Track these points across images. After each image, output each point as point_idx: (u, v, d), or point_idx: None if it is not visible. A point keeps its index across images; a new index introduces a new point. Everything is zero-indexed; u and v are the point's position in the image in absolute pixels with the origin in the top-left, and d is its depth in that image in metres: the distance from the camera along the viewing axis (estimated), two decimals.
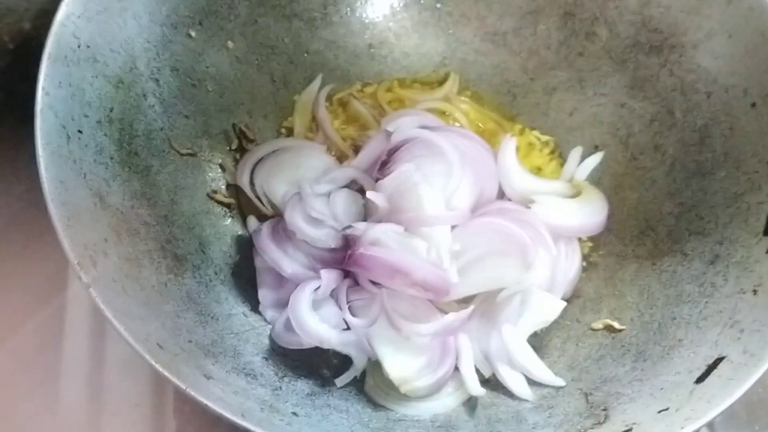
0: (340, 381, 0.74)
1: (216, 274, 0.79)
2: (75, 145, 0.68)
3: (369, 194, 0.79)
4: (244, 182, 0.86)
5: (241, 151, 0.88)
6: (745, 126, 0.79)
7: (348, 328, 0.75)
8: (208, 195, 0.84)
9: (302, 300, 0.74)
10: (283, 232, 0.80)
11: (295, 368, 0.74)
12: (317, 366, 0.76)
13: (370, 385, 0.75)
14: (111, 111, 0.74)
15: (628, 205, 0.87)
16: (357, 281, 0.79)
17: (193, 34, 0.84)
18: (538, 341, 0.81)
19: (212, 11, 0.86)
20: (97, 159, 0.71)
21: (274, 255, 0.78)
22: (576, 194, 0.88)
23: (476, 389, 0.73)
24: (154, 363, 0.56)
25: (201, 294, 0.75)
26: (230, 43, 0.88)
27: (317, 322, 0.73)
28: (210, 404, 0.55)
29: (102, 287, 0.60)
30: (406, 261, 0.74)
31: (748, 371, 0.62)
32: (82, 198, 0.66)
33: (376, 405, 0.73)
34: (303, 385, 0.72)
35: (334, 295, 0.77)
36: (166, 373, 0.56)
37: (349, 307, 0.76)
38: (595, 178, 0.90)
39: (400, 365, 0.73)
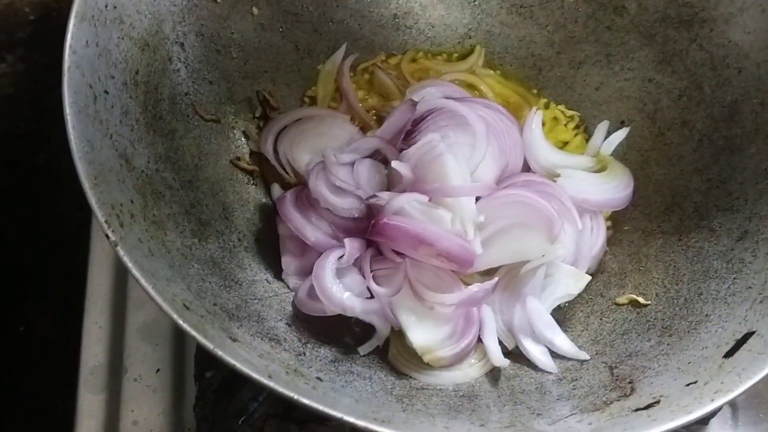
0: (363, 349, 0.74)
1: (239, 240, 0.78)
2: (101, 105, 0.67)
3: (394, 164, 0.78)
4: (267, 150, 0.85)
5: (265, 119, 0.88)
6: None
7: (371, 297, 0.74)
8: (231, 162, 0.83)
9: (326, 267, 0.73)
10: (306, 200, 0.79)
11: (318, 335, 0.74)
12: (340, 334, 0.75)
13: (393, 353, 0.75)
14: (137, 73, 0.73)
15: (654, 180, 0.86)
16: (380, 251, 0.78)
17: None
18: (561, 315, 0.80)
19: None
20: (123, 120, 0.70)
21: (297, 222, 0.77)
22: (601, 169, 0.87)
23: (499, 360, 0.73)
24: (182, 323, 0.56)
25: (225, 259, 0.74)
26: (255, 10, 0.87)
27: (341, 289, 0.73)
28: (238, 365, 0.55)
29: (129, 247, 0.60)
30: (430, 231, 0.73)
31: None
32: (109, 158, 0.65)
33: (399, 373, 0.73)
34: (326, 352, 0.72)
35: (357, 263, 0.77)
36: (194, 333, 0.56)
37: (374, 276, 0.76)
38: (621, 154, 0.89)
39: (424, 335, 0.73)
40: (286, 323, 0.73)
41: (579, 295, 0.80)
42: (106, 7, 0.70)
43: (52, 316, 1.12)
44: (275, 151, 0.85)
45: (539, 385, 0.72)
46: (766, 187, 0.76)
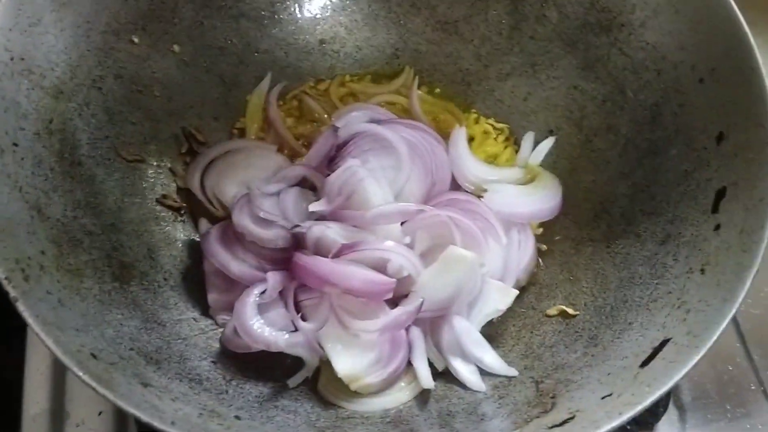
0: (292, 382, 0.74)
1: (165, 279, 0.78)
2: (9, 158, 0.68)
3: (311, 206, 0.78)
4: (194, 185, 0.85)
5: (192, 154, 0.88)
6: (694, 102, 0.78)
7: (297, 330, 0.74)
8: (157, 200, 0.84)
9: (247, 304, 0.73)
10: (233, 234, 0.80)
11: (246, 371, 0.74)
12: (269, 367, 0.75)
13: (322, 383, 0.75)
14: (50, 122, 0.74)
15: (583, 188, 0.86)
16: None
17: (136, 39, 0.84)
18: (493, 330, 0.80)
19: (155, 16, 0.85)
20: (36, 171, 0.70)
21: (221, 258, 0.78)
22: (531, 179, 0.88)
23: (427, 382, 0.73)
24: (81, 374, 0.56)
25: (148, 301, 0.74)
26: (176, 47, 0.88)
27: (262, 326, 0.72)
28: (137, 413, 0.55)
29: (34, 300, 0.60)
30: (333, 272, 0.74)
31: (689, 353, 0.61)
32: (17, 211, 0.66)
33: (326, 403, 0.73)
34: (251, 388, 0.72)
35: (283, 296, 0.77)
36: (94, 384, 0.56)
37: (300, 306, 0.76)
38: (551, 163, 0.89)
39: (350, 363, 0.73)
40: (211, 361, 0.73)
41: (512, 308, 0.80)
42: (12, 59, 0.71)
43: None
44: (202, 185, 0.86)
45: (467, 405, 0.72)
46: (686, 189, 0.76)
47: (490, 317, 0.78)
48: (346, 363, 0.72)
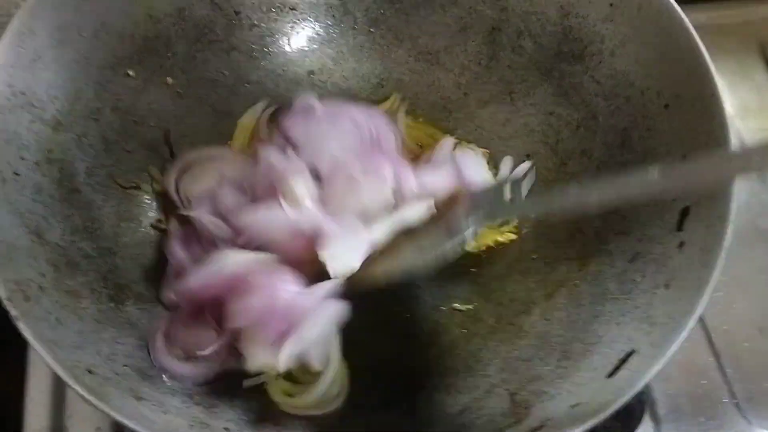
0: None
1: (159, 299, 0.82)
2: (11, 186, 0.72)
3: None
4: (169, 184, 0.89)
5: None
6: (660, 126, 0.82)
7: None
8: (151, 225, 0.88)
9: (158, 349, 0.76)
10: (193, 234, 0.83)
11: (236, 387, 0.77)
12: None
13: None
14: (50, 152, 0.78)
15: None
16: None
17: (131, 73, 0.88)
18: (475, 347, 0.84)
19: (150, 50, 0.90)
20: (36, 198, 0.74)
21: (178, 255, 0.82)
22: None
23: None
24: (78, 388, 0.60)
25: (143, 319, 0.78)
26: (170, 79, 0.92)
27: (171, 360, 0.75)
28: (128, 422, 0.59)
29: (34, 320, 0.64)
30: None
31: (651, 363, 0.65)
32: (18, 237, 0.70)
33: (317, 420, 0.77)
34: (242, 402, 0.76)
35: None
36: (90, 397, 0.60)
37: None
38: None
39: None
40: None
41: (491, 325, 0.84)
42: (14, 94, 0.75)
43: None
44: (176, 188, 0.89)
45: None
46: (653, 208, 0.79)
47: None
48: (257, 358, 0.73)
